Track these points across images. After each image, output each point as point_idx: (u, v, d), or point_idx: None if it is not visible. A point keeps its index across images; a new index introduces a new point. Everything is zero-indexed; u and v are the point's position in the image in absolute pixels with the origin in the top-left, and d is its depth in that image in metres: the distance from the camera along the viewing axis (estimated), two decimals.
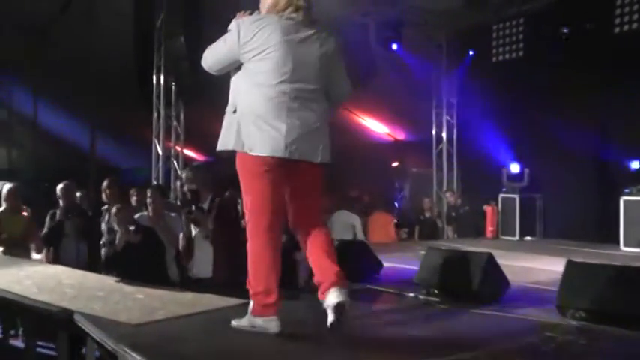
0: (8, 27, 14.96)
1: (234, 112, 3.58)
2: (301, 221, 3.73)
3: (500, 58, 12.06)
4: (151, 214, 6.47)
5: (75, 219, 7.06)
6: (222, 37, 3.67)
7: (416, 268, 5.37)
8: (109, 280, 5.43)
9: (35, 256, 7.51)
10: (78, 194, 7.79)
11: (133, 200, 7.41)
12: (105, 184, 7.19)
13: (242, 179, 3.62)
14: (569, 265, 4.32)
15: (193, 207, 5.80)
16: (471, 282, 4.65)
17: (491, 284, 4.73)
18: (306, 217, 3.72)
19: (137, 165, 18.17)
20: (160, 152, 11.34)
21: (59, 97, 18.65)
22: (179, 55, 10.08)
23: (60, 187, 7.28)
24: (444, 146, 13.63)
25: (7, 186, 7.61)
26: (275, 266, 3.55)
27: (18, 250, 7.28)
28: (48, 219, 7.22)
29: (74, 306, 4.20)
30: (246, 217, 3.64)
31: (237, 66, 3.65)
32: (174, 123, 11.49)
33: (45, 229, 7.19)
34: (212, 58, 3.73)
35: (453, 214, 11.81)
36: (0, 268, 6.08)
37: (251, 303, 3.58)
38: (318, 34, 3.65)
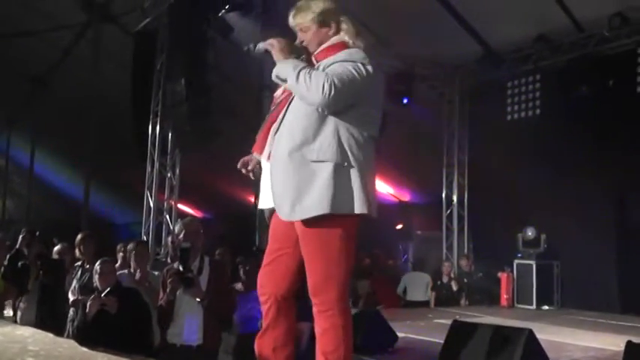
0: (6, 75, 14.73)
1: (346, 165, 2.98)
2: None
3: (516, 116, 11.62)
4: (135, 273, 5.86)
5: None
6: (349, 67, 3.00)
7: (431, 339, 4.75)
8: (82, 349, 4.69)
9: (9, 312, 6.88)
10: (58, 247, 7.18)
11: (119, 257, 6.82)
12: (79, 237, 6.65)
13: (346, 244, 3.03)
14: (630, 346, 3.61)
15: (181, 267, 5.05)
16: None
17: None
18: None
19: (131, 220, 17.60)
20: (152, 205, 10.65)
21: (56, 147, 18.35)
22: (178, 99, 9.50)
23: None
24: (455, 208, 12.91)
25: None
26: None
27: None
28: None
29: None
30: (331, 288, 3.03)
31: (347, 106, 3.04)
32: (169, 174, 10.82)
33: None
34: (346, 89, 2.96)
35: (465, 280, 11.09)
36: None
37: None
38: None
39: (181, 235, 5.24)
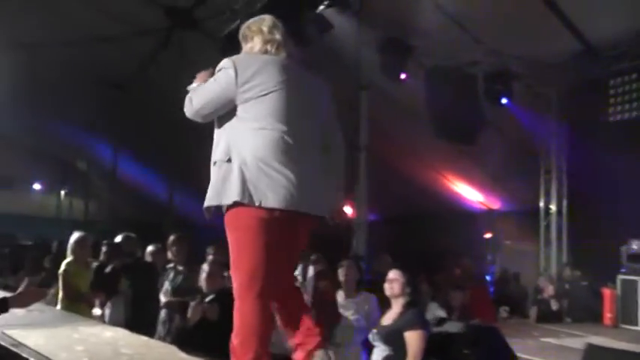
0: (89, 82, 14.92)
1: (229, 160, 3.17)
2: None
3: (619, 117, 10.90)
4: None
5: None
6: (212, 78, 3.33)
7: None
8: (181, 354, 4.44)
9: (96, 311, 6.82)
10: (151, 248, 7.14)
11: (209, 260, 6.63)
12: (171, 239, 6.65)
13: (237, 235, 3.19)
14: None
15: None
16: None
17: None
18: (287, 276, 3.49)
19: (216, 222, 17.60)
20: None
21: (139, 150, 18.53)
22: None
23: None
24: (553, 218, 12.23)
25: (74, 236, 7.00)
26: (267, 334, 3.19)
27: (83, 305, 6.60)
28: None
29: None
30: (235, 277, 3.23)
31: (228, 109, 3.27)
32: None
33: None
34: (201, 100, 3.30)
35: (567, 286, 10.41)
36: (54, 327, 5.15)
37: None
38: (314, 77, 3.46)
39: None
